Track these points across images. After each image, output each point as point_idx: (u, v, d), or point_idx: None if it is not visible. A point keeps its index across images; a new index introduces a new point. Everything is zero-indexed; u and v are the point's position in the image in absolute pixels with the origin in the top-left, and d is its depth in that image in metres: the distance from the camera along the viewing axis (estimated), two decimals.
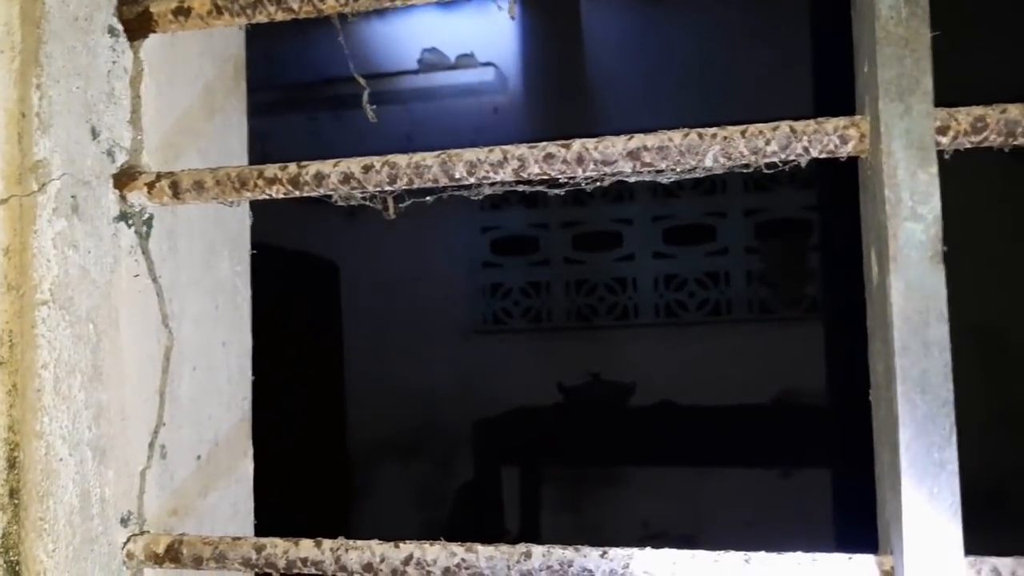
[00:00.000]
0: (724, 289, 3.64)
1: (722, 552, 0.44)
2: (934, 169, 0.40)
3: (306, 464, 3.29)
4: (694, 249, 3.66)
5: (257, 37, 0.61)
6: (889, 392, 0.41)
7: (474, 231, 3.82)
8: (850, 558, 0.42)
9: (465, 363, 3.76)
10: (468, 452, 3.28)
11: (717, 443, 3.19)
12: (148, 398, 0.53)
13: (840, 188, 3.32)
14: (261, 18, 0.51)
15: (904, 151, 0.40)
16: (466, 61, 3.76)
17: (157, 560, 0.50)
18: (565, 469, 3.62)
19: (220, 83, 0.61)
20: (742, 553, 0.43)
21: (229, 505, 0.59)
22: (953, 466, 0.39)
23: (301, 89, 3.70)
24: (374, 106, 0.55)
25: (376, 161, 0.49)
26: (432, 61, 3.80)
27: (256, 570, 0.49)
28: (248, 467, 0.62)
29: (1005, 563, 0.41)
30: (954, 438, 0.40)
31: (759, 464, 3.36)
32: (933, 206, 0.40)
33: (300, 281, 3.44)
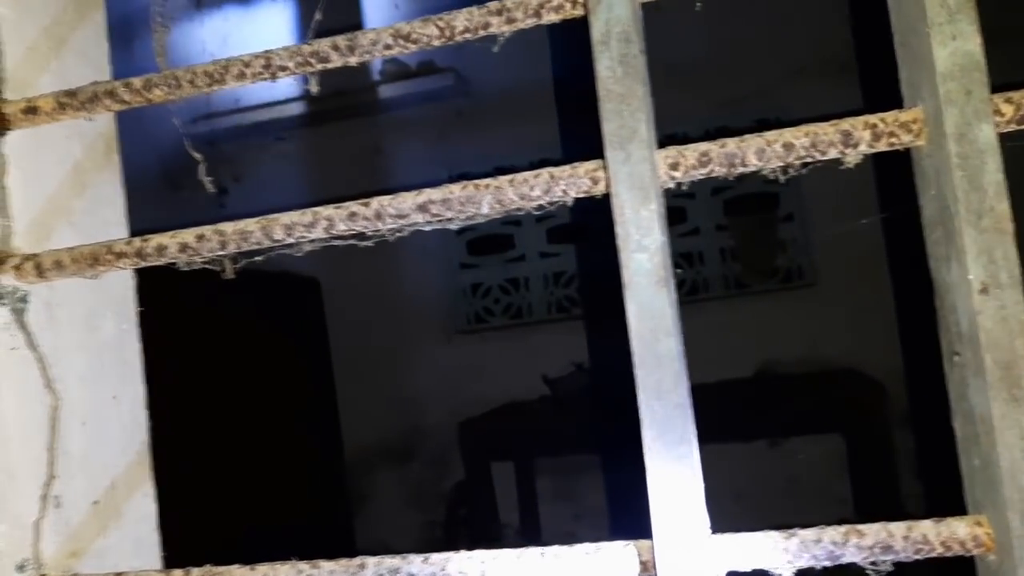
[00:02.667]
0: (700, 268, 3.69)
1: (523, 549, 0.50)
2: (654, 206, 0.46)
3: (305, 475, 3.37)
4: (667, 231, 3.72)
5: None
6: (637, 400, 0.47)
7: (449, 234, 3.88)
8: (625, 545, 0.49)
9: (451, 364, 3.83)
10: (459, 451, 3.36)
11: (704, 419, 3.26)
12: (37, 455, 0.60)
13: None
14: (100, 111, 0.58)
15: (628, 192, 0.47)
16: (426, 68, 3.81)
17: None
18: (557, 459, 3.69)
19: (90, 160, 0.67)
20: (538, 548, 0.50)
21: (131, 542, 0.66)
22: (691, 459, 0.46)
23: (265, 109, 3.77)
24: (211, 178, 0.61)
25: (208, 231, 0.55)
26: (393, 71, 3.86)
27: None
28: (150, 505, 0.68)
29: (754, 537, 0.47)
30: (689, 435, 0.46)
31: (747, 436, 3.42)
32: (655, 238, 0.46)
33: (284, 299, 3.52)
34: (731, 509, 3.34)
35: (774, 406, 3.28)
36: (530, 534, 3.59)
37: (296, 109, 3.78)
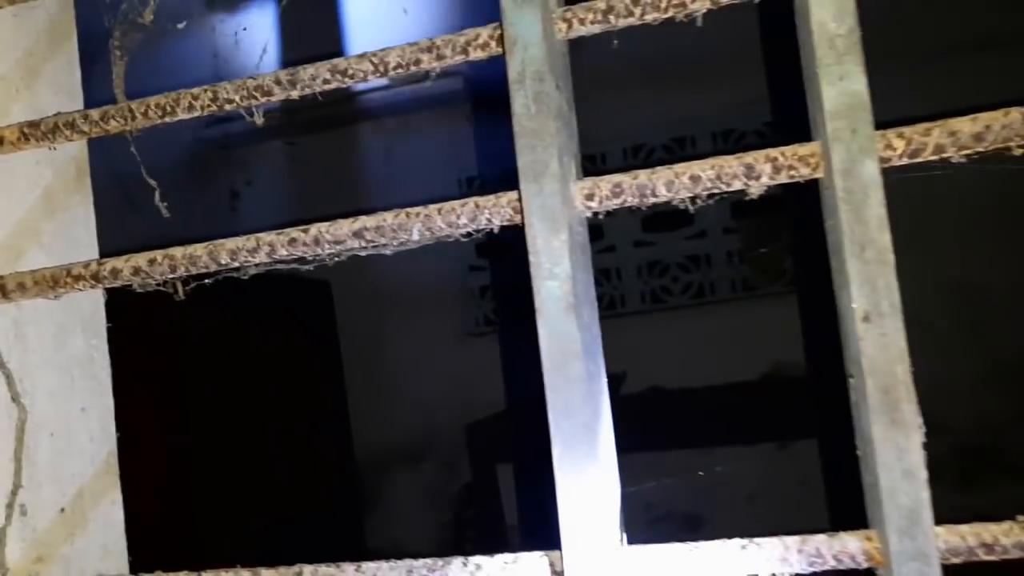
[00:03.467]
0: (706, 271, 3.70)
1: (449, 558, 0.53)
2: (564, 236, 0.49)
3: (317, 476, 3.42)
4: (673, 235, 3.74)
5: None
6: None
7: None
8: (541, 556, 0.51)
9: (461, 366, 3.86)
10: (467, 453, 3.39)
11: (713, 423, 3.28)
12: (3, 465, 0.63)
13: None
14: (61, 141, 0.61)
15: (540, 223, 0.49)
16: (436, 72, 3.84)
17: None
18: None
19: (61, 184, 0.71)
20: (462, 558, 0.53)
21: (99, 547, 0.69)
22: (596, 473, 0.48)
23: (277, 116, 3.82)
24: (165, 204, 0.64)
25: (159, 255, 0.59)
26: (403, 75, 3.90)
27: None
28: (117, 512, 0.72)
29: (660, 548, 0.50)
30: (596, 452, 0.49)
31: (755, 439, 3.42)
32: (565, 267, 0.49)
33: (295, 303, 3.57)
34: (745, 510, 3.36)
35: (782, 408, 3.29)
36: (534, 535, 3.62)
37: (307, 114, 3.82)
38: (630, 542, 0.51)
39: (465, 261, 3.90)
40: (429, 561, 0.53)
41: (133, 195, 0.69)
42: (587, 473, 0.48)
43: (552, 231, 0.49)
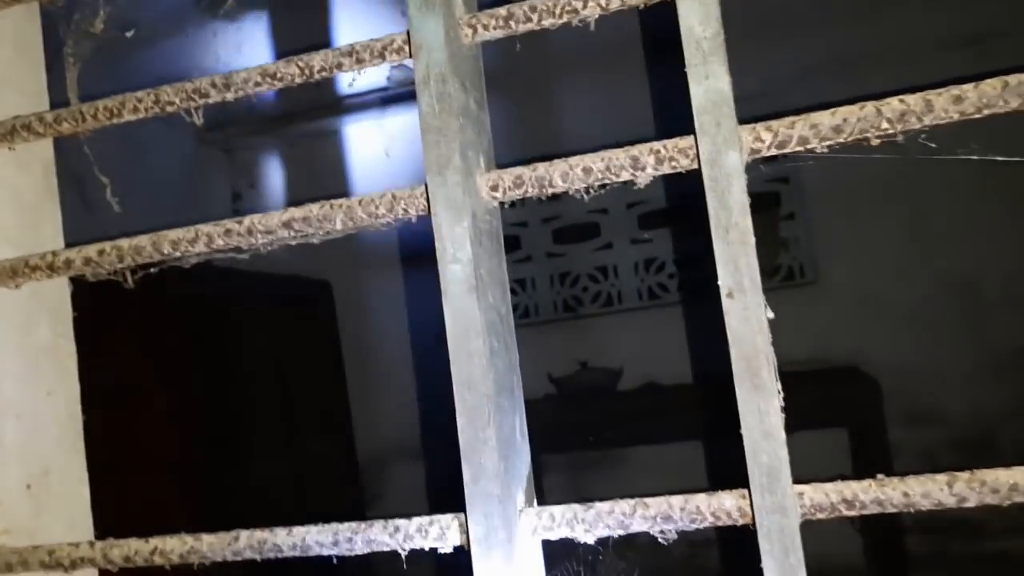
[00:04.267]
0: (702, 267, 3.74)
1: (372, 521, 0.58)
2: (467, 223, 0.54)
3: (320, 476, 3.47)
4: (670, 232, 3.77)
5: None
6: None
7: None
8: (453, 517, 0.56)
9: None
10: None
11: (709, 417, 3.32)
12: None
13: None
14: (18, 142, 0.66)
15: (445, 212, 0.54)
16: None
17: None
18: (562, 456, 3.76)
19: (28, 184, 0.76)
20: (384, 520, 0.57)
21: (65, 524, 0.74)
22: (494, 442, 0.53)
23: (278, 120, 3.88)
24: (117, 199, 0.69)
25: (107, 246, 0.63)
26: (400, 78, 3.95)
27: (49, 568, 0.64)
28: (84, 492, 0.77)
29: (557, 509, 0.54)
30: (495, 421, 0.53)
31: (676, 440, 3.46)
32: (467, 251, 0.53)
33: (296, 302, 3.62)
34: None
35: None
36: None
37: (307, 116, 3.88)
38: None
39: None
40: (353, 524, 0.58)
41: (96, 196, 0.74)
42: (486, 440, 0.53)
43: (455, 219, 0.53)
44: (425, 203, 0.57)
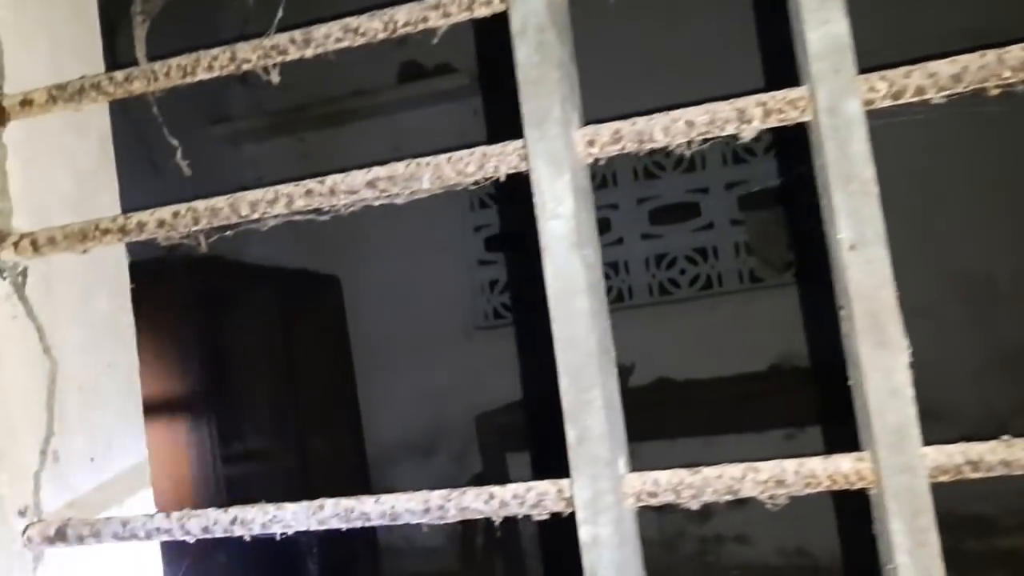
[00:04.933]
0: (713, 263, 3.73)
1: (467, 488, 0.56)
2: (568, 177, 0.52)
3: (329, 469, 3.45)
4: (680, 227, 3.76)
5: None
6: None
7: (467, 231, 3.95)
8: (552, 483, 0.54)
9: (469, 359, 3.89)
10: (477, 444, 3.42)
11: (720, 413, 3.30)
12: (36, 413, 0.66)
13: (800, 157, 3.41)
14: (87, 102, 0.64)
15: (545, 167, 0.52)
16: (442, 69, 3.88)
17: (49, 541, 0.63)
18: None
19: (84, 150, 0.74)
20: (479, 488, 0.56)
21: (127, 495, 0.72)
22: (600, 403, 0.51)
23: (286, 114, 3.86)
24: (187, 161, 0.68)
25: (182, 208, 0.62)
26: (410, 72, 3.94)
27: (124, 539, 0.62)
28: (144, 467, 0.75)
29: (663, 474, 0.53)
30: (598, 382, 0.51)
31: (762, 428, 3.44)
32: (568, 206, 0.52)
33: (304, 297, 3.60)
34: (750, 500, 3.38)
35: (789, 399, 3.30)
36: (544, 525, 3.64)
37: (316, 111, 3.86)
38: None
39: (474, 256, 3.93)
40: (445, 492, 0.56)
41: (155, 160, 0.72)
42: (590, 402, 0.51)
43: (556, 173, 0.52)
44: (517, 160, 0.55)
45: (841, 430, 3.24)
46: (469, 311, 3.97)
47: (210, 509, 0.60)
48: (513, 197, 3.91)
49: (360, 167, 0.57)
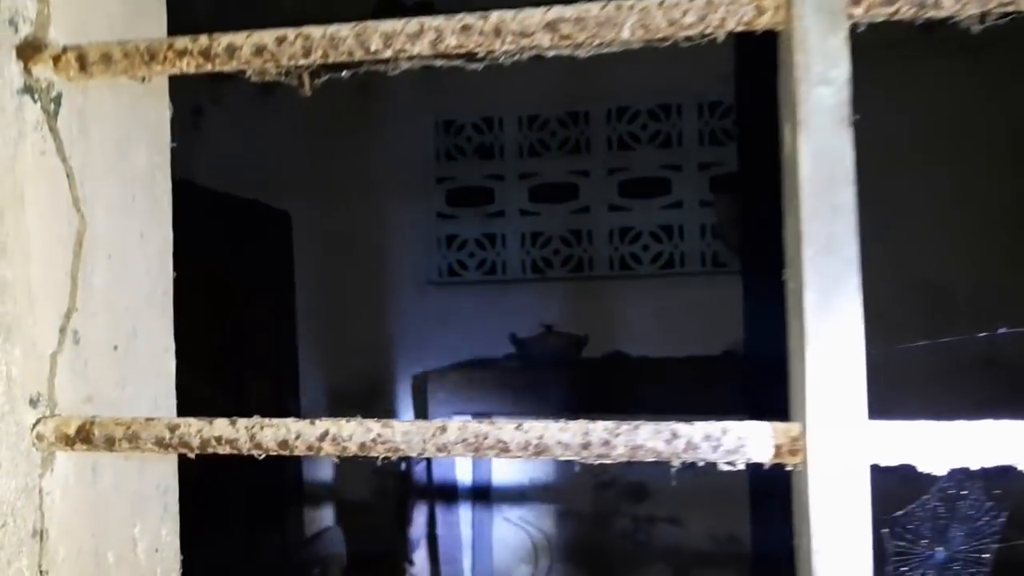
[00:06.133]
0: (678, 242, 3.66)
1: (641, 422, 0.44)
2: (844, 34, 0.40)
3: (260, 414, 3.27)
4: (649, 202, 3.68)
5: None
6: (798, 260, 0.41)
7: (429, 181, 3.79)
8: (754, 424, 0.43)
9: (419, 314, 3.75)
10: (422, 403, 3.29)
11: (668, 393, 3.24)
12: (59, 280, 0.52)
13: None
14: None
15: (814, 15, 0.40)
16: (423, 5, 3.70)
17: (68, 442, 0.49)
18: (517, 418, 3.64)
19: None
20: (656, 424, 0.44)
21: (149, 399, 0.58)
22: (857, 325, 0.40)
23: None
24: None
25: (290, 33, 0.48)
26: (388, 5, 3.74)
27: (170, 451, 0.48)
28: (170, 363, 0.61)
29: (914, 426, 0.42)
30: (857, 298, 0.40)
31: (708, 414, 3.40)
32: (843, 70, 0.40)
33: (251, 230, 3.40)
34: (692, 482, 3.34)
35: (738, 386, 3.26)
36: (483, 490, 3.55)
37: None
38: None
39: (434, 208, 3.78)
40: (610, 424, 0.44)
41: None
42: (846, 324, 0.40)
43: (830, 27, 0.40)
44: (755, 12, 0.43)
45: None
46: (423, 265, 3.82)
47: (291, 420, 0.47)
48: (481, 151, 3.77)
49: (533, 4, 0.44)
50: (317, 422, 0.47)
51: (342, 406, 3.75)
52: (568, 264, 3.73)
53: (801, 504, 0.41)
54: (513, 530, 3.65)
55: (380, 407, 3.77)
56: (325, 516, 3.62)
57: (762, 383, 3.25)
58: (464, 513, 3.40)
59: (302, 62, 0.48)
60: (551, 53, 0.46)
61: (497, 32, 0.46)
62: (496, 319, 3.61)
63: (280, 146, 3.74)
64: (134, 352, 0.57)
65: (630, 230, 3.69)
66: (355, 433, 0.46)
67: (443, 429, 0.45)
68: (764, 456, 0.42)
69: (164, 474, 0.59)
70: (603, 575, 3.69)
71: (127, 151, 0.57)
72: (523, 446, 0.44)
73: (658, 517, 3.62)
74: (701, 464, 0.43)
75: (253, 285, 3.35)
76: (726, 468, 0.43)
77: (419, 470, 3.28)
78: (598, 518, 3.64)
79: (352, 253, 3.75)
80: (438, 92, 3.59)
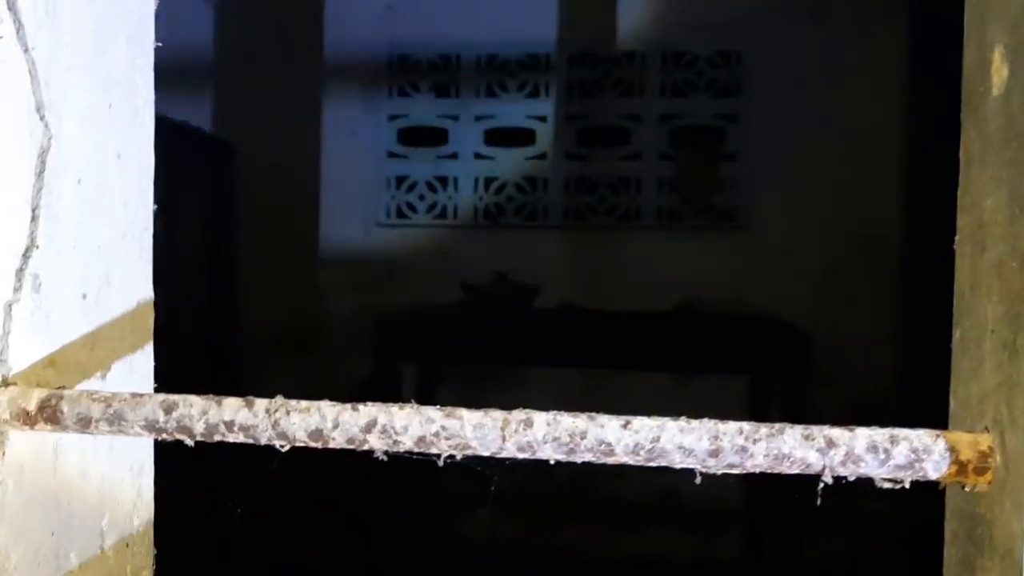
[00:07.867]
0: (634, 195, 3.58)
1: (741, 423, 0.35)
2: None
3: (195, 356, 3.12)
4: (607, 152, 3.58)
5: None
6: (1014, 228, 0.31)
7: (380, 119, 3.62)
8: (920, 433, 0.34)
9: (365, 256, 3.62)
10: (366, 348, 3.18)
11: (618, 347, 3.19)
12: (15, 209, 0.39)
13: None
14: None
15: None
16: None
17: (27, 420, 0.38)
18: (465, 368, 3.56)
19: None
20: (766, 425, 0.34)
21: (124, 363, 0.47)
22: None
23: None
24: None
25: None
26: None
27: (164, 436, 0.37)
28: (148, 317, 0.49)
29: None
30: None
31: (657, 369, 3.36)
32: None
33: (192, 159, 3.20)
34: None
35: (688, 343, 3.23)
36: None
37: None
38: None
39: (384, 147, 3.62)
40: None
41: None
42: None
43: None
44: None
45: (733, 382, 3.21)
46: (371, 205, 3.67)
47: (326, 403, 0.37)
48: (436, 88, 3.61)
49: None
50: (361, 407, 0.36)
51: (284, 350, 3.61)
52: (522, 212, 3.62)
53: (980, 530, 0.32)
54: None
55: (325, 352, 3.64)
56: None
57: (713, 340, 3.23)
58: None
59: None
60: None
61: None
62: (446, 264, 3.50)
63: (228, 73, 3.53)
64: (106, 304, 0.45)
65: (586, 180, 3.60)
66: (411, 424, 0.35)
67: (528, 423, 0.35)
68: (940, 472, 0.33)
69: (139, 451, 0.48)
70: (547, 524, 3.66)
71: (103, 45, 0.45)
72: (631, 450, 0.35)
73: (601, 470, 3.60)
74: (853, 479, 0.34)
75: (194, 216, 3.17)
76: (887, 487, 0.34)
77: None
78: (538, 471, 3.60)
79: (296, 189, 3.58)
80: (394, 25, 3.41)
